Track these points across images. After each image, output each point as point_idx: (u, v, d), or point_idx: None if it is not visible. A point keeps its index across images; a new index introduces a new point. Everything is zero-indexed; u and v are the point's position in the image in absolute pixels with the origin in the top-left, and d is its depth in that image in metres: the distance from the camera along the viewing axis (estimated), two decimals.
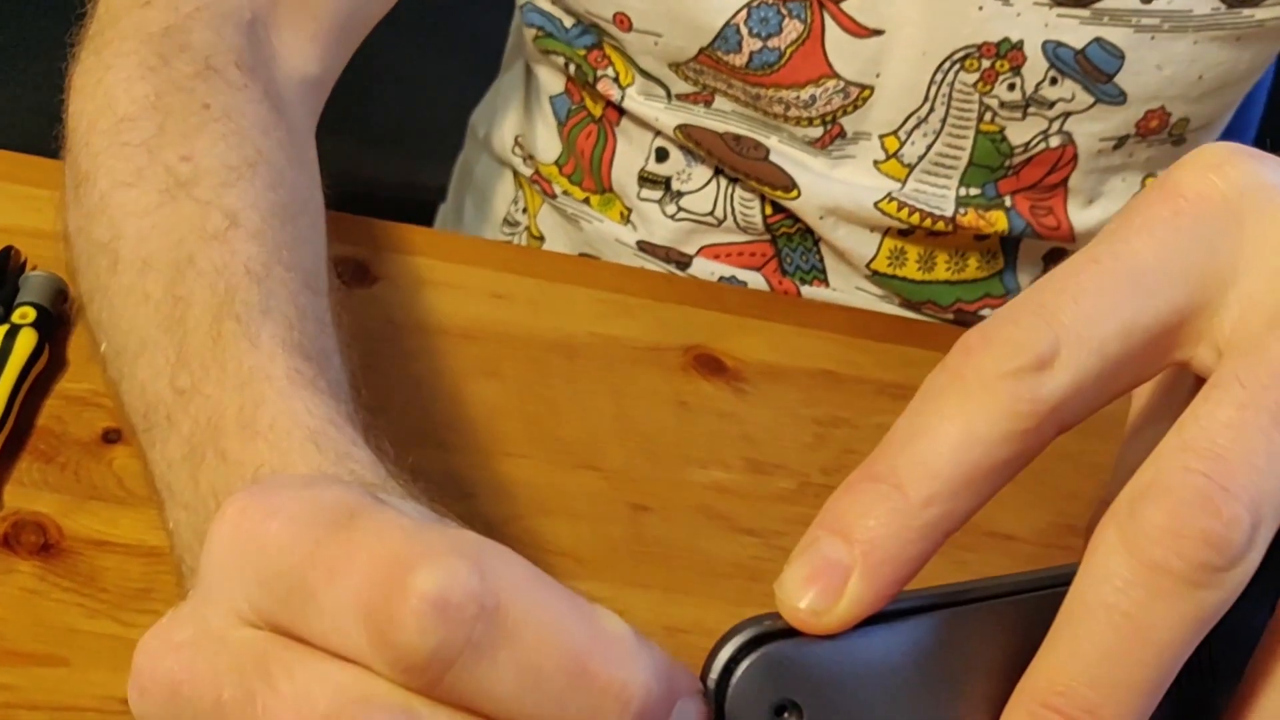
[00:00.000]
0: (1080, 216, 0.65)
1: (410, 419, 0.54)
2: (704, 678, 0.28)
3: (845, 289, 0.68)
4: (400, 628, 0.25)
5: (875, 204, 0.64)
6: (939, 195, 0.64)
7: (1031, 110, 0.62)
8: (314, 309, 0.44)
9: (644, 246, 0.68)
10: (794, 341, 0.62)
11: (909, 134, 0.63)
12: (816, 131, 0.63)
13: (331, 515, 0.27)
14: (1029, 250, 0.67)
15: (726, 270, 0.68)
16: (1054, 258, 0.68)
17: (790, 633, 0.28)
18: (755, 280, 0.68)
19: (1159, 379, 0.36)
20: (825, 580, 0.28)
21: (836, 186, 0.64)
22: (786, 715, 0.28)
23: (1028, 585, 0.30)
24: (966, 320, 0.68)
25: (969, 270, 0.67)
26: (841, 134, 0.63)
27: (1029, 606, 0.30)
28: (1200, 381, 0.31)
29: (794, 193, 0.64)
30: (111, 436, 0.51)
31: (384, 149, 1.15)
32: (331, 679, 0.26)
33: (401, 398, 0.54)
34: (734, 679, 0.27)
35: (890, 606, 0.28)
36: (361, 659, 0.26)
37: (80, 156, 0.47)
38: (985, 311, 0.68)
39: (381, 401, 0.53)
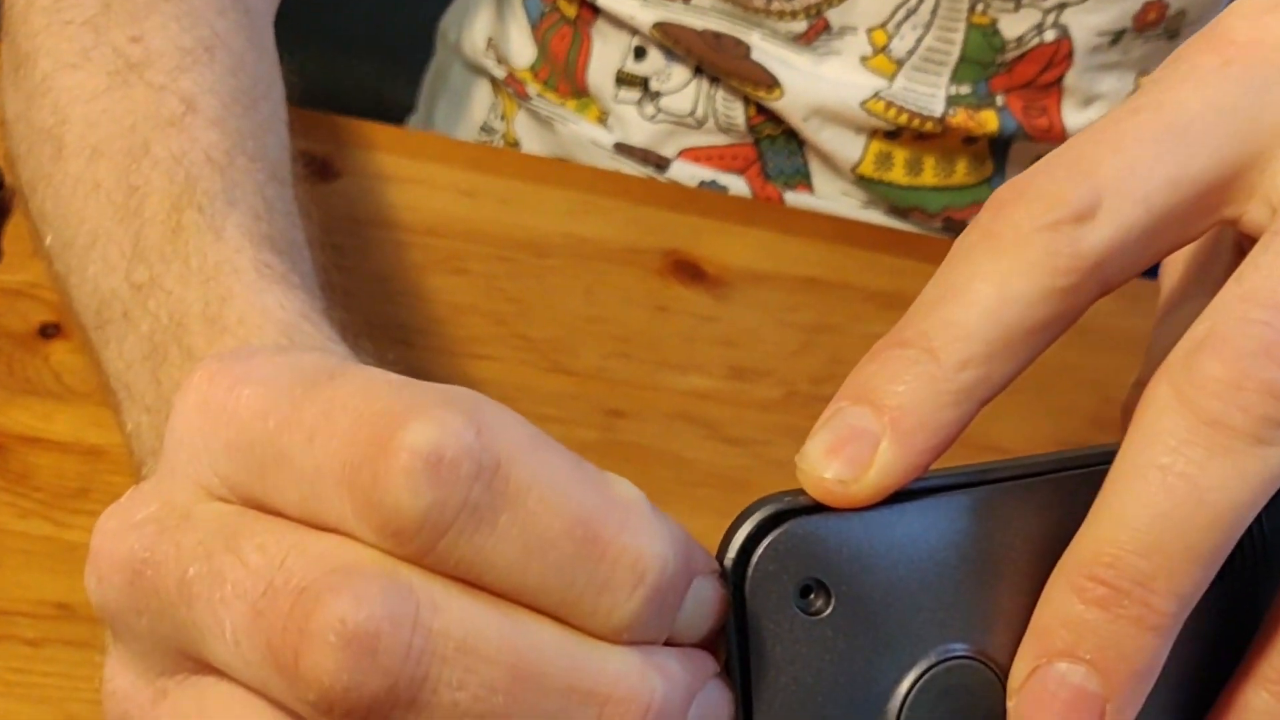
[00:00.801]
0: (1074, 118, 0.62)
1: (371, 316, 0.51)
2: (720, 558, 0.25)
3: (830, 194, 0.65)
4: (387, 487, 0.22)
5: (862, 103, 0.61)
6: (928, 94, 0.61)
7: (1025, 1, 0.59)
8: (281, 200, 0.41)
9: (621, 149, 0.65)
10: (777, 248, 0.59)
11: (898, 27, 0.59)
12: (800, 26, 0.60)
13: (311, 377, 0.24)
14: (1020, 154, 0.64)
15: (707, 174, 0.65)
16: None
17: (814, 508, 0.26)
18: (737, 185, 0.65)
19: (1194, 251, 0.33)
20: (852, 449, 0.25)
21: (822, 85, 0.61)
22: (812, 596, 0.25)
23: (1070, 463, 0.28)
24: (955, 229, 0.65)
25: (957, 175, 0.64)
26: (826, 28, 0.60)
27: (1073, 482, 0.27)
28: (1242, 248, 0.29)
29: (777, 92, 0.61)
30: (49, 331, 0.48)
31: (351, 62, 1.11)
32: (309, 549, 0.23)
33: (362, 294, 0.51)
34: (754, 558, 0.25)
35: (920, 484, 0.26)
36: (344, 527, 0.23)
37: (19, 35, 0.44)
38: None
39: (340, 297, 0.50)
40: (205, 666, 0.25)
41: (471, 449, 0.22)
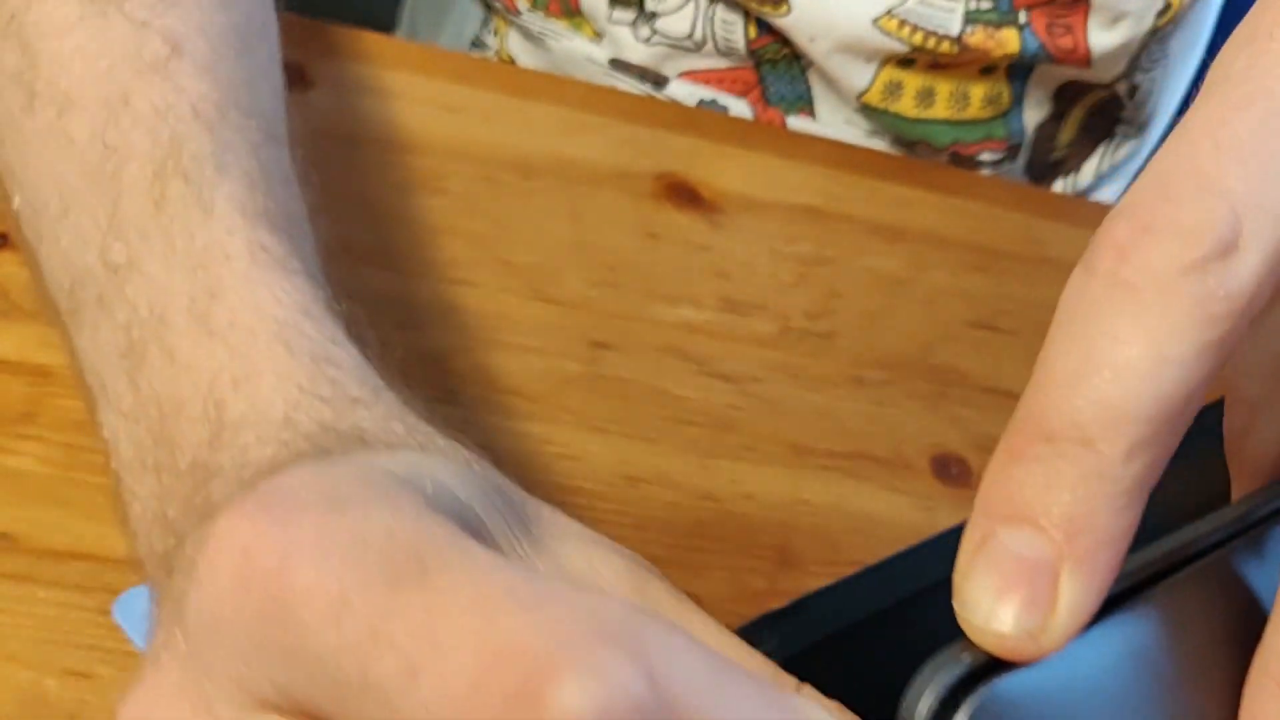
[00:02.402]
0: (1100, 38, 0.59)
1: (344, 236, 0.48)
2: None
3: (833, 122, 0.61)
4: None
5: (874, 20, 0.57)
6: (946, 9, 0.57)
7: None
8: (279, 165, 0.37)
9: (617, 64, 0.62)
10: (777, 173, 0.56)
11: None
12: None
13: (391, 564, 0.20)
14: (1040, 82, 0.61)
15: (707, 93, 0.61)
16: (1066, 94, 0.62)
17: (994, 665, 0.22)
18: (738, 107, 0.62)
19: None
20: (1029, 588, 0.21)
21: (831, 0, 0.57)
22: None
23: (1234, 523, 0.24)
24: (962, 163, 0.62)
25: (971, 109, 0.61)
26: None
27: (1246, 549, 0.24)
28: None
29: (784, 7, 0.58)
30: None
31: None
32: None
33: (334, 213, 0.48)
34: None
35: None
36: None
37: None
38: (985, 155, 0.62)
39: (309, 215, 0.47)
40: None
41: (645, 706, 0.19)
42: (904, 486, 0.49)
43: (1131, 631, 0.23)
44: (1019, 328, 0.56)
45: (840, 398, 0.50)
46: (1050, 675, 0.22)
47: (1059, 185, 0.66)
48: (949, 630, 0.22)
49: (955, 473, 0.49)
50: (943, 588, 0.22)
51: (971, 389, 0.53)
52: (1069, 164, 0.65)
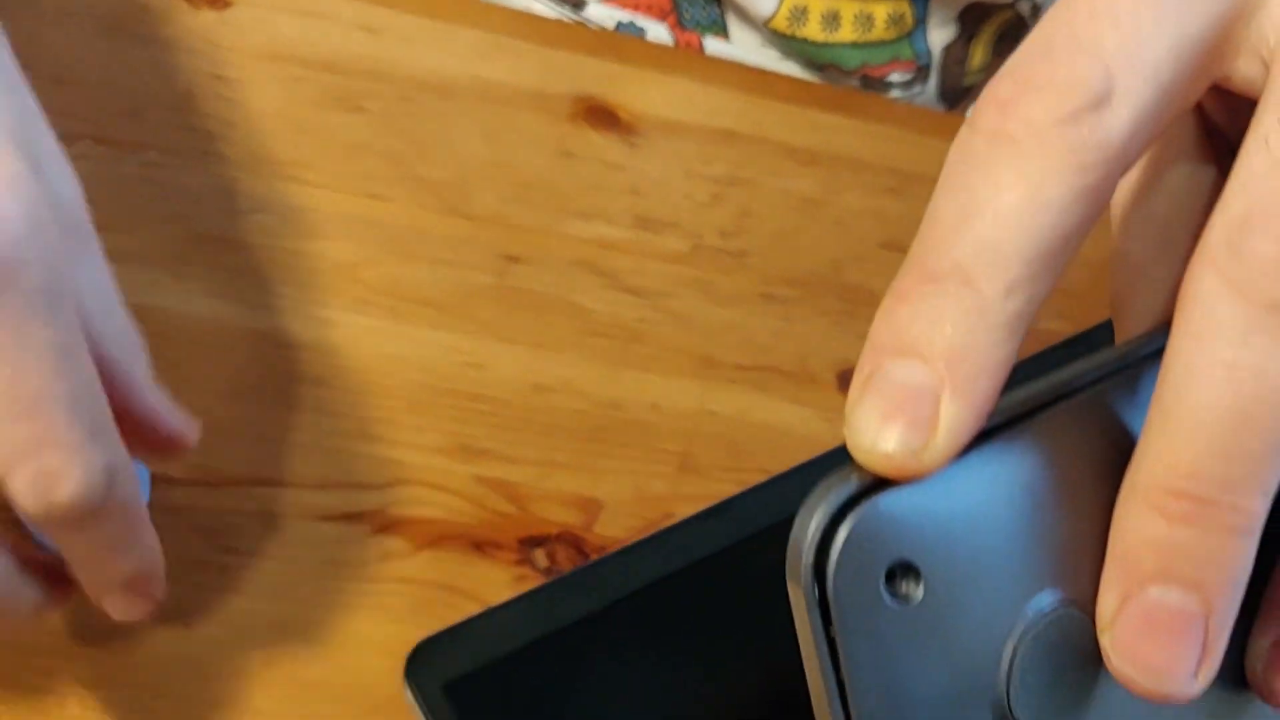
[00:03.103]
0: None
1: (259, 150, 0.48)
2: (796, 563, 0.23)
3: (748, 45, 0.62)
4: None
5: None
6: None
7: None
8: None
9: None
10: (695, 97, 0.57)
11: None
12: None
13: None
14: (944, 2, 0.62)
15: (625, 15, 0.62)
16: (971, 16, 0.63)
17: (879, 484, 0.23)
18: (656, 30, 0.63)
19: None
20: (911, 411, 0.23)
21: None
22: (901, 582, 0.23)
23: (1106, 366, 0.26)
24: (873, 85, 0.63)
25: (876, 30, 0.62)
26: None
27: (1119, 388, 0.25)
28: (1217, 108, 0.27)
29: None
30: None
31: None
32: None
33: (250, 128, 0.49)
34: (833, 557, 0.23)
35: None
36: None
37: None
38: (894, 76, 0.63)
39: (223, 129, 0.48)
40: None
41: None
42: (809, 399, 0.50)
43: (1009, 458, 0.24)
44: None
45: (749, 313, 0.51)
46: (930, 493, 0.23)
47: (972, 111, 0.67)
48: None
49: None
50: None
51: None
52: (981, 89, 0.66)
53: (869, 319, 0.58)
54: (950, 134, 0.64)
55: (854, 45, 0.62)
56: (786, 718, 0.31)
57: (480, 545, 0.45)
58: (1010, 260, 0.23)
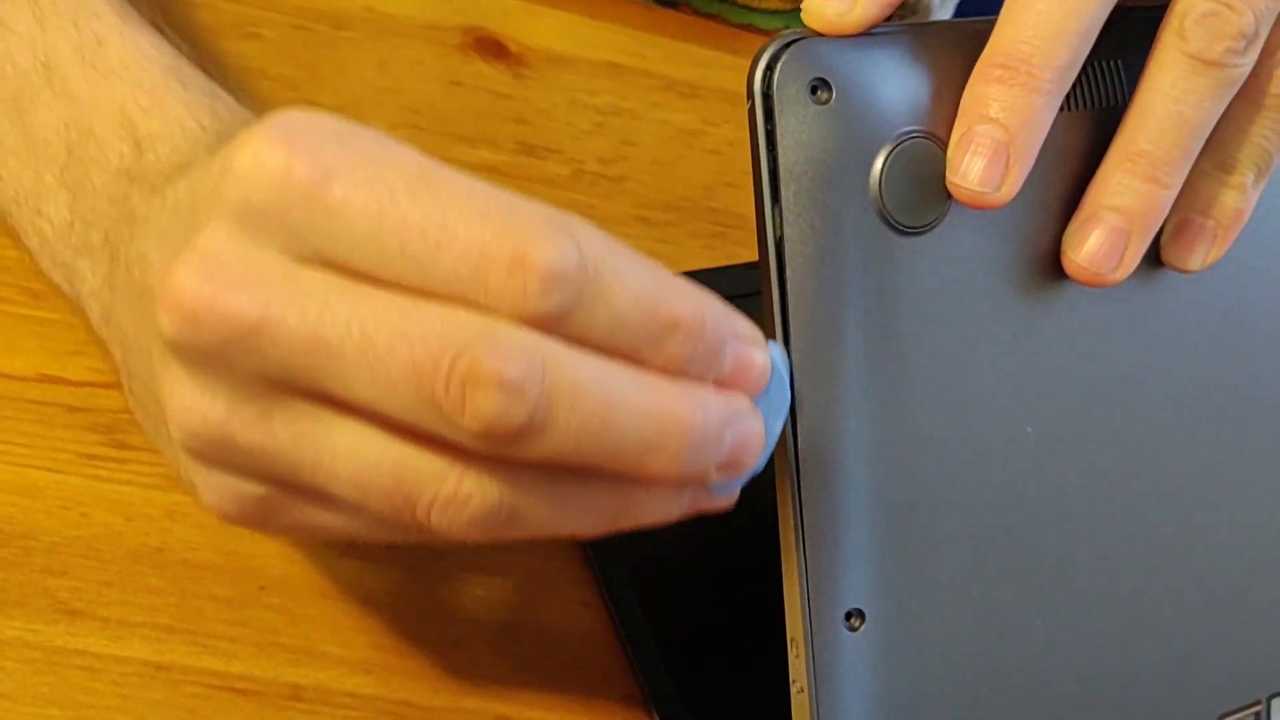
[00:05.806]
0: None
1: None
2: (752, 74, 0.33)
3: None
4: (528, 291, 0.29)
5: None
6: None
7: None
8: None
9: None
10: (583, 31, 0.60)
11: None
12: None
13: (403, 180, 0.29)
14: None
15: None
16: None
17: (816, 36, 0.34)
18: None
19: None
20: None
21: None
22: (819, 92, 0.33)
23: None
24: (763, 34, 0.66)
25: None
26: None
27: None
28: None
29: None
30: None
31: None
32: (449, 317, 0.28)
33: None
34: (776, 67, 0.33)
35: (887, 28, 0.34)
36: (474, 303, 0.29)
37: None
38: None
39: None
40: (313, 395, 0.29)
41: (578, 263, 0.29)
42: None
43: (907, 39, 0.35)
44: None
45: (626, 235, 0.54)
46: (848, 43, 0.34)
47: None
48: None
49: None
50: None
51: (750, 230, 0.57)
52: None
53: (739, 242, 0.61)
54: None
55: (776, 13, 0.65)
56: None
57: None
58: None
